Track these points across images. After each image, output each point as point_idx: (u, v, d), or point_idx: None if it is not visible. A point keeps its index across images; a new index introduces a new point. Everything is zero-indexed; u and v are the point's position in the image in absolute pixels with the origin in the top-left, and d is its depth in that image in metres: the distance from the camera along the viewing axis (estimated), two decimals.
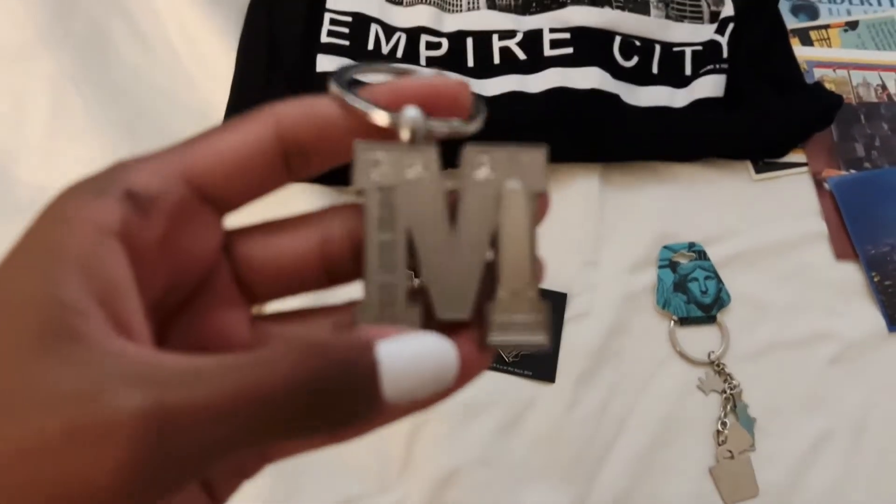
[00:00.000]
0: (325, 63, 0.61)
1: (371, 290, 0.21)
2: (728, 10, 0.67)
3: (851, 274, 0.63)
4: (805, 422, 0.58)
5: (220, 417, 0.17)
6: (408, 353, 0.19)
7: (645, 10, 0.67)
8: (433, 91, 0.22)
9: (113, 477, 0.16)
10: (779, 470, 0.56)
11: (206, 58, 0.63)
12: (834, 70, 0.71)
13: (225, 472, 0.23)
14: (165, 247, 0.20)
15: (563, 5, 0.65)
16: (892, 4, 0.74)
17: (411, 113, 0.21)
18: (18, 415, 0.16)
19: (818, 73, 0.70)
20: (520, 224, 0.21)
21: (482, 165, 0.22)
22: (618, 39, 0.65)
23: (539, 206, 0.22)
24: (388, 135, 0.22)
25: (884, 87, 0.70)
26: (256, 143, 0.21)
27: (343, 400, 0.18)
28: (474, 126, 0.23)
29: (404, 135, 0.22)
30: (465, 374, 0.21)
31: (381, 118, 0.22)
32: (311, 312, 0.25)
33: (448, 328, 0.21)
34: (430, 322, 0.21)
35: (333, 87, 0.22)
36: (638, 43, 0.66)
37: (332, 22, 0.63)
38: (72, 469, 0.16)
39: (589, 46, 0.64)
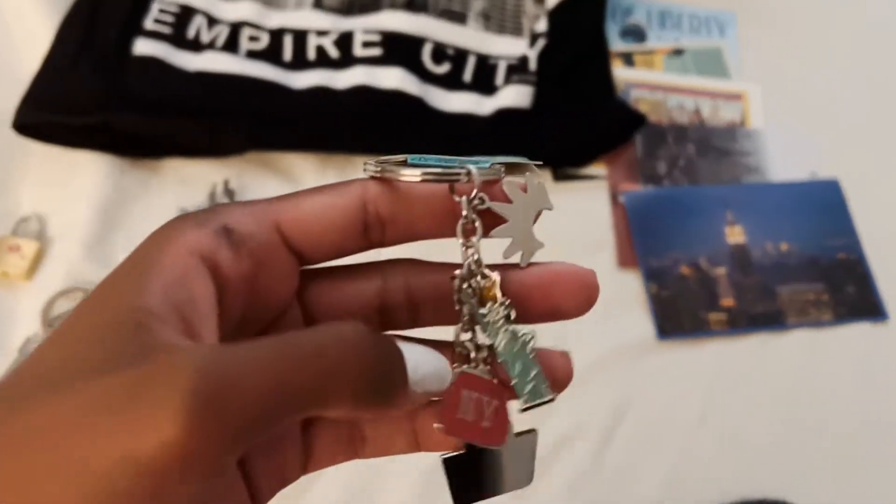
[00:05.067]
0: (143, 47, 0.65)
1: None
2: (541, 26, 0.70)
3: (630, 283, 0.65)
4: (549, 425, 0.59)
5: (271, 387, 0.18)
6: (417, 354, 0.22)
7: (462, 21, 0.70)
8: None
9: (175, 428, 0.17)
10: None
11: (34, 34, 0.67)
12: (651, 92, 0.73)
13: (266, 478, 0.25)
14: (249, 283, 0.23)
15: (379, 9, 0.69)
16: (721, 35, 0.77)
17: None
18: (85, 379, 0.18)
19: (635, 94, 0.73)
20: None
21: None
22: (429, 45, 0.68)
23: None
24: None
25: (698, 111, 0.73)
26: (343, 207, 0.24)
27: (382, 377, 0.20)
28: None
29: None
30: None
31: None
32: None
33: None
34: None
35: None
36: (451, 51, 0.69)
37: (160, 10, 0.68)
38: (138, 425, 0.18)
39: (397, 49, 0.67)
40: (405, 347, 0.21)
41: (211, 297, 0.21)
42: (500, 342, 0.25)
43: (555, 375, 0.25)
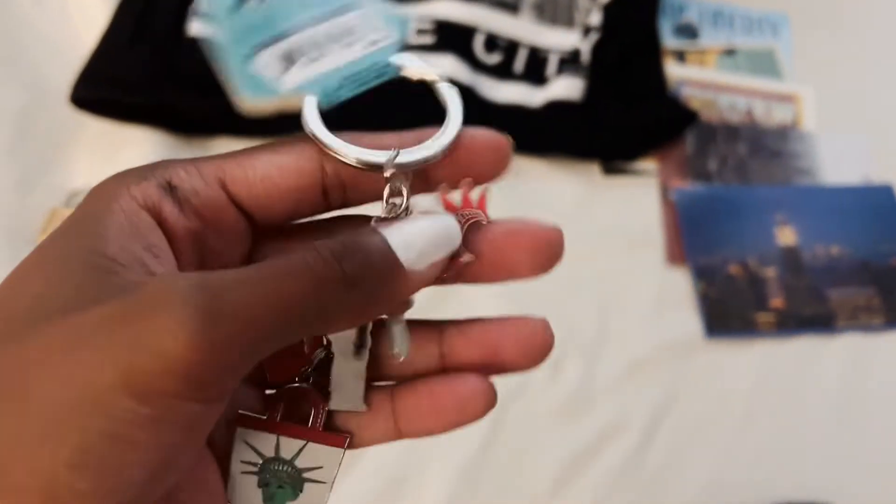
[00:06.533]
0: (197, 28, 0.66)
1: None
2: (594, 19, 0.70)
3: (678, 280, 0.64)
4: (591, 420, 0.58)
5: (264, 314, 0.18)
6: (411, 229, 0.21)
7: (515, 12, 0.70)
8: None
9: (177, 343, 0.17)
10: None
11: (92, 12, 0.68)
12: (702, 90, 0.72)
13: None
14: (197, 242, 0.22)
15: None
16: (774, 36, 0.76)
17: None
18: (64, 314, 0.18)
19: (686, 91, 0.72)
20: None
21: None
22: (481, 35, 0.68)
23: None
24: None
25: (750, 111, 0.72)
26: (296, 169, 0.22)
27: (372, 275, 0.20)
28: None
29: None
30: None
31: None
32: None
33: None
34: None
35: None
36: (503, 41, 0.69)
37: None
38: (138, 344, 0.17)
39: (449, 38, 0.67)
40: (390, 230, 0.20)
41: (167, 248, 0.21)
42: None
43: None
